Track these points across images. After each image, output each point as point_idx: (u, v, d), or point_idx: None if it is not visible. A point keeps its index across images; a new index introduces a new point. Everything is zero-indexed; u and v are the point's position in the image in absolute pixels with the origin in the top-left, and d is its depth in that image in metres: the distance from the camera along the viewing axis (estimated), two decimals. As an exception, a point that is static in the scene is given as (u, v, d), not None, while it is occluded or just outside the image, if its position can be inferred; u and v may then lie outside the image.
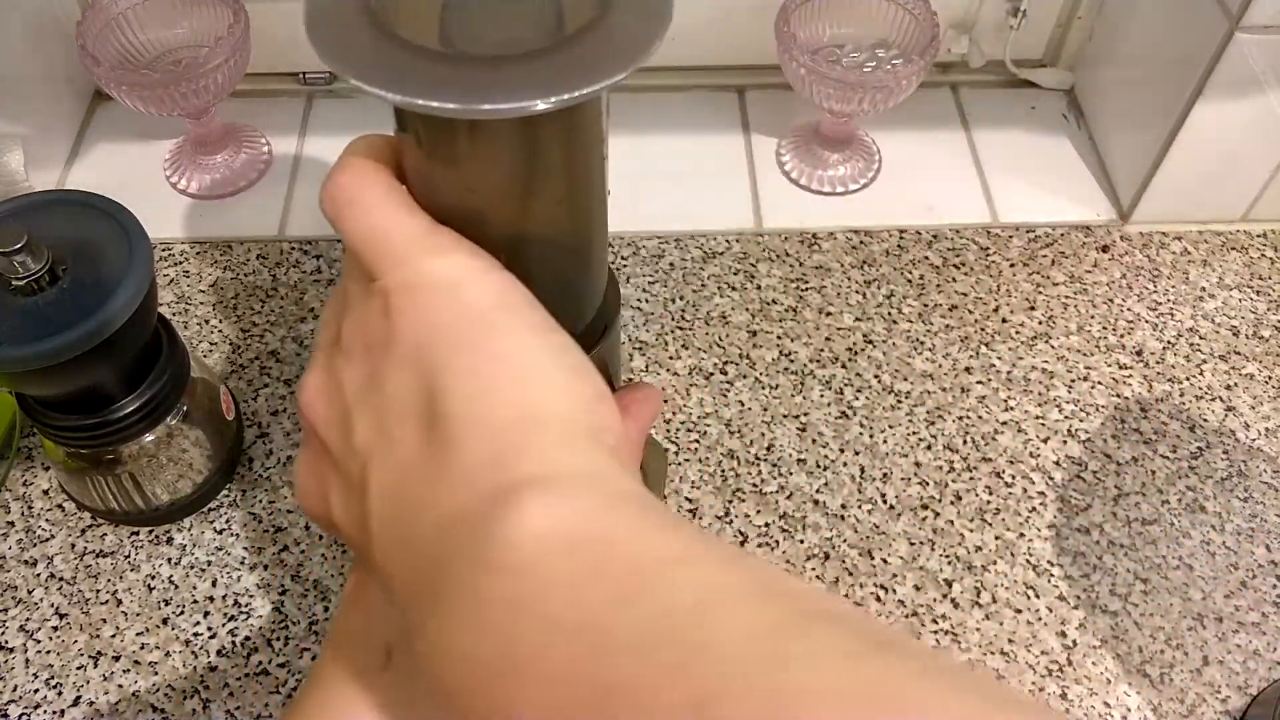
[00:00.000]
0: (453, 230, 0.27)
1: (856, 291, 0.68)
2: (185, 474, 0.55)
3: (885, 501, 0.58)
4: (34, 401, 0.51)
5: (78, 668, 0.52)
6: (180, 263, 0.68)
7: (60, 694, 0.51)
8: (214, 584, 0.55)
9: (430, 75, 0.23)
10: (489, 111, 0.22)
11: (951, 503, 0.58)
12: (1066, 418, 0.62)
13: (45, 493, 0.58)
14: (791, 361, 0.64)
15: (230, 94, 0.67)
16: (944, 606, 0.54)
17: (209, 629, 0.53)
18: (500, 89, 0.22)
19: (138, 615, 0.54)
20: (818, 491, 0.58)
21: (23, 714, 0.51)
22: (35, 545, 0.56)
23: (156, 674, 0.52)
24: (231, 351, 0.64)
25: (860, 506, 0.58)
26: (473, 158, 0.26)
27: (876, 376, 0.63)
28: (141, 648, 0.53)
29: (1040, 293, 0.68)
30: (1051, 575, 0.56)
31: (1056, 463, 0.60)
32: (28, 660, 0.52)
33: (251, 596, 0.54)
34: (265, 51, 0.70)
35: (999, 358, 0.65)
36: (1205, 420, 0.62)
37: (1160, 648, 0.54)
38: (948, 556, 0.56)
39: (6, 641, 0.53)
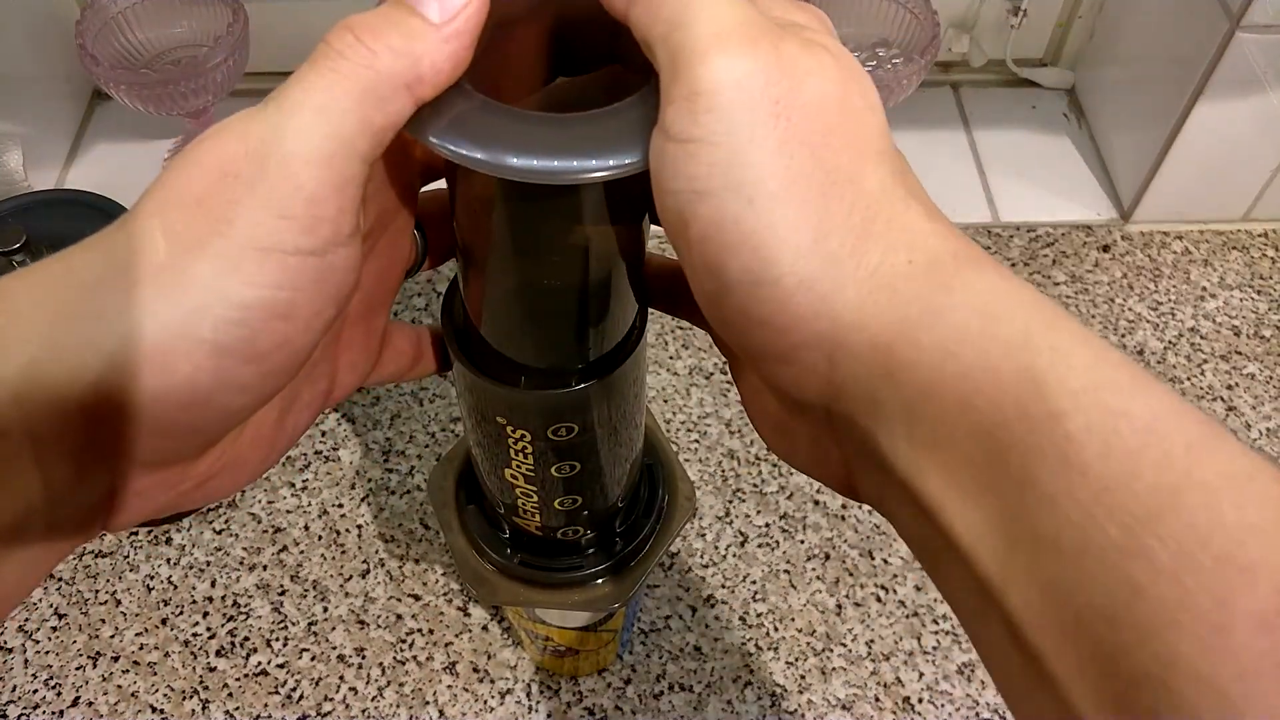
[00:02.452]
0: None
1: (857, 291, 0.67)
2: (184, 474, 0.55)
3: (886, 502, 0.58)
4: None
5: (77, 668, 0.52)
6: (179, 262, 0.68)
7: (59, 694, 0.51)
8: (213, 584, 0.55)
9: (533, 138, 0.22)
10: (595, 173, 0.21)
11: (952, 503, 0.58)
12: (1067, 418, 0.62)
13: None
14: (792, 361, 0.64)
15: (230, 93, 0.66)
16: (944, 607, 0.54)
17: (208, 629, 0.53)
18: (598, 146, 0.22)
19: (137, 616, 0.54)
20: (818, 491, 0.58)
21: (22, 714, 0.50)
22: (34, 545, 0.56)
23: (155, 674, 0.52)
24: (231, 351, 0.64)
25: (860, 506, 0.58)
26: (556, 209, 0.26)
27: (877, 376, 0.63)
28: (140, 648, 0.53)
29: (1041, 292, 0.68)
30: (1052, 575, 0.56)
31: (1057, 463, 0.60)
32: (27, 661, 0.52)
33: (250, 597, 0.54)
34: (264, 50, 0.70)
35: (1000, 357, 0.65)
36: (1206, 420, 0.62)
37: (1161, 648, 0.54)
38: (948, 557, 0.56)
39: (5, 642, 0.53)
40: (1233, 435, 0.18)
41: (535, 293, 0.29)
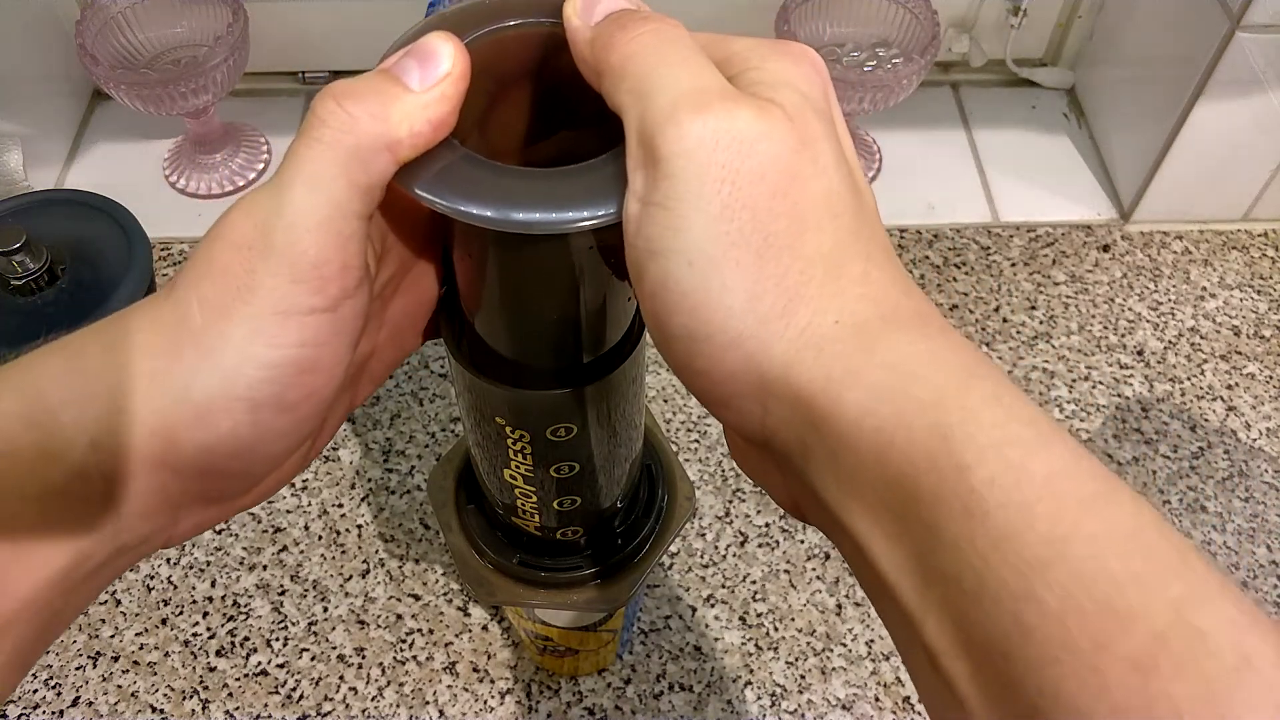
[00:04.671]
0: None
1: (857, 291, 0.67)
2: (184, 474, 0.55)
3: (886, 501, 0.58)
4: (33, 401, 0.51)
5: (76, 668, 0.52)
6: (179, 262, 0.68)
7: (59, 694, 0.51)
8: (213, 584, 0.55)
9: (526, 191, 0.23)
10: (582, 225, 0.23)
11: (952, 503, 0.58)
12: (1067, 417, 0.62)
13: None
14: (792, 361, 0.64)
15: (229, 93, 0.66)
16: (944, 607, 0.54)
17: (208, 629, 0.53)
18: (588, 197, 0.23)
19: (136, 615, 0.53)
20: (818, 491, 0.58)
21: (22, 714, 0.50)
22: (34, 545, 0.56)
23: (155, 674, 0.52)
24: (231, 351, 0.64)
25: (861, 506, 0.58)
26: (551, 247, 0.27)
27: (877, 376, 0.63)
28: (140, 648, 0.52)
29: (1041, 292, 0.68)
30: (1052, 575, 0.56)
31: (1057, 463, 0.60)
32: (26, 661, 0.52)
33: (250, 597, 0.54)
34: (264, 50, 0.70)
35: (1000, 357, 0.65)
36: (1206, 420, 0.62)
37: (1161, 648, 0.54)
38: (948, 557, 0.56)
39: (5, 642, 0.53)
40: (1128, 489, 0.20)
41: (531, 316, 0.29)
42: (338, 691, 0.51)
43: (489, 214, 0.23)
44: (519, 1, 0.26)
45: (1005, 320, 0.66)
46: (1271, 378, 0.64)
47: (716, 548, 0.56)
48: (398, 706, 0.51)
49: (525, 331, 0.30)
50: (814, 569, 0.55)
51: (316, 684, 0.52)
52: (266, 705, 0.51)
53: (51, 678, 0.51)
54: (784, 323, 0.22)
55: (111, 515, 0.23)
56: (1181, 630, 0.18)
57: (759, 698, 0.51)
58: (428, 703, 0.51)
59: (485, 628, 0.53)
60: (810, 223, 0.22)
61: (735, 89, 0.22)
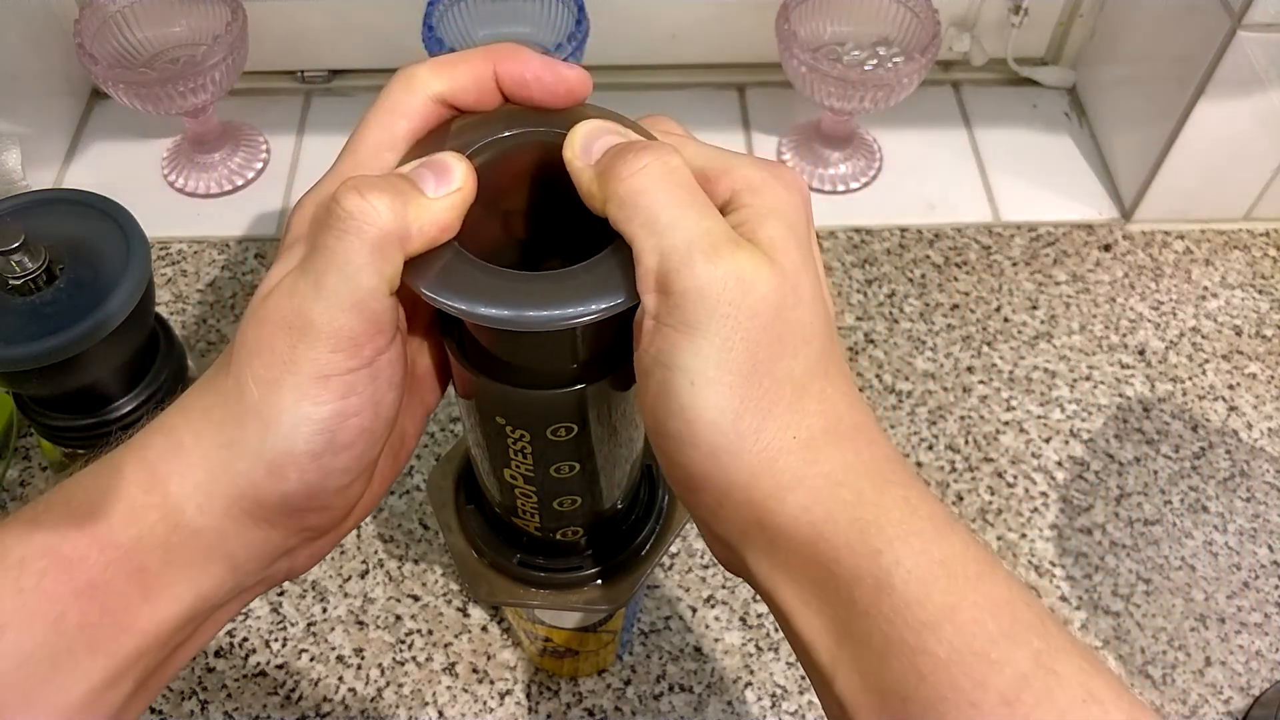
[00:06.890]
0: None
1: (858, 291, 0.67)
2: (183, 474, 0.55)
3: (886, 502, 0.58)
4: (31, 401, 0.51)
5: (75, 669, 0.52)
6: (178, 262, 0.68)
7: (57, 695, 0.51)
8: (212, 585, 0.54)
9: (524, 292, 0.26)
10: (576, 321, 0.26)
11: (953, 503, 0.58)
12: (1069, 417, 0.62)
13: (42, 493, 0.58)
14: (792, 361, 0.64)
15: (228, 92, 0.66)
16: (945, 607, 0.54)
17: (207, 630, 0.53)
18: (584, 296, 0.26)
19: (135, 616, 0.53)
20: (819, 492, 0.58)
21: (19, 715, 0.50)
22: (32, 546, 0.56)
23: (154, 675, 0.51)
24: (230, 351, 0.64)
25: (861, 507, 0.58)
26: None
27: (878, 376, 0.63)
28: (139, 649, 0.52)
29: (1042, 292, 0.68)
30: (1054, 576, 0.56)
31: (1059, 463, 0.60)
32: (25, 661, 0.52)
33: (250, 597, 0.54)
34: (263, 49, 0.70)
35: (1001, 357, 0.64)
36: (1208, 420, 0.62)
37: (1162, 649, 0.54)
38: (949, 557, 0.56)
39: (3, 642, 0.52)
40: (1005, 570, 0.25)
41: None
42: (336, 692, 0.51)
43: (506, 314, 0.26)
44: (526, 113, 0.29)
45: (1006, 320, 0.66)
46: (1273, 378, 0.64)
47: (717, 548, 0.56)
48: (397, 707, 0.51)
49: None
50: (814, 569, 0.55)
51: (315, 685, 0.51)
52: (265, 706, 0.51)
53: (50, 678, 0.51)
54: (755, 438, 0.26)
55: (225, 563, 0.27)
56: (1040, 673, 0.23)
57: (759, 699, 0.51)
58: (427, 704, 0.51)
59: (485, 628, 0.53)
60: (788, 349, 0.26)
61: (734, 234, 0.26)
